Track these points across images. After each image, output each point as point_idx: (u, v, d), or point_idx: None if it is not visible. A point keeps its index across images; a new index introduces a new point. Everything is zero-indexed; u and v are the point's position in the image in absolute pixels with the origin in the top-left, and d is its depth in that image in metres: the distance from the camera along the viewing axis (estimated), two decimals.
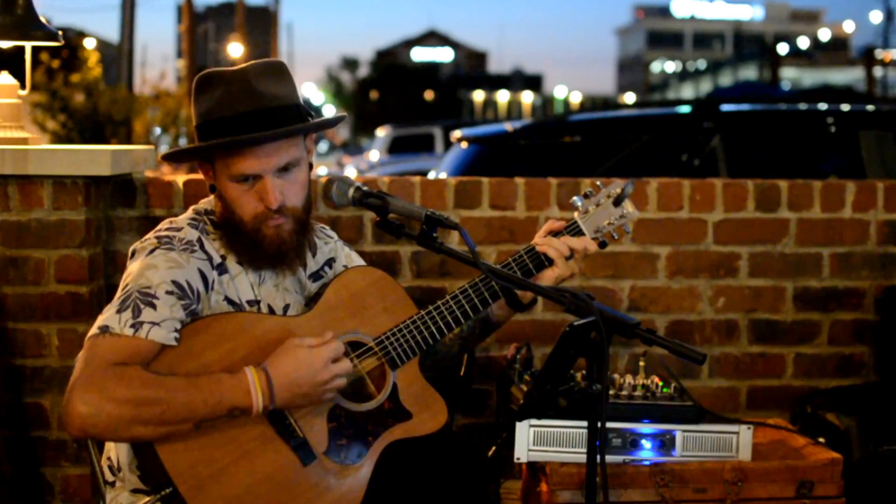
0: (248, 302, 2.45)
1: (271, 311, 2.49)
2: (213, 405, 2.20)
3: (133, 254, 2.39)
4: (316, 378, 2.29)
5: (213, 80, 2.40)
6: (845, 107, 6.02)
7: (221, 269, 2.42)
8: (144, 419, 2.15)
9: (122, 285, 2.31)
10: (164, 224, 2.45)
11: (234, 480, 2.25)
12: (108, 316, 2.23)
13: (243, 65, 2.44)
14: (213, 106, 2.38)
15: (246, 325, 2.35)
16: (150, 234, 2.41)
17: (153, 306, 2.24)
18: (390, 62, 80.00)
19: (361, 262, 2.73)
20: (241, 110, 2.36)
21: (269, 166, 2.37)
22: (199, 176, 3.63)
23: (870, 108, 6.44)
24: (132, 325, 2.21)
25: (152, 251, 2.34)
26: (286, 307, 2.52)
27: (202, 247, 2.40)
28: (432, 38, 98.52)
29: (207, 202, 2.52)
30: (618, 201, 2.59)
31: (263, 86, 2.39)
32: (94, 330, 2.22)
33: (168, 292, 2.27)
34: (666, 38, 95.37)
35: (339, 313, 2.47)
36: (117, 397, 2.12)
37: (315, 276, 2.62)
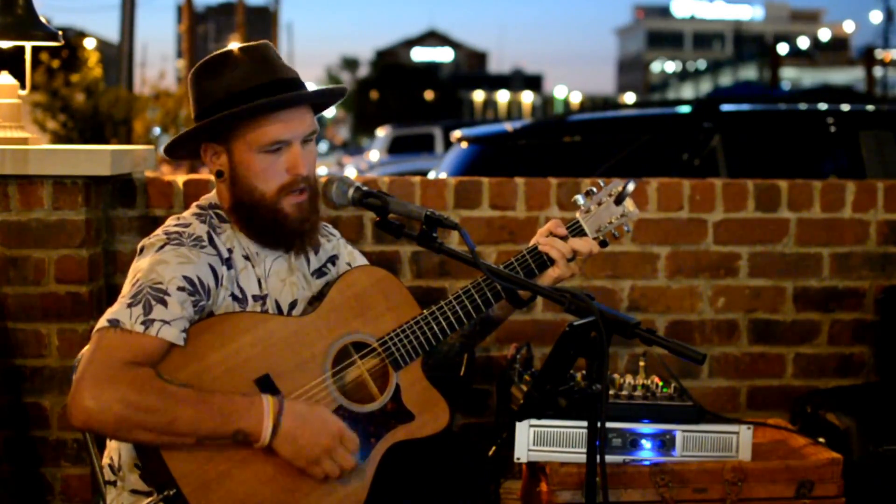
0: (254, 297, 2.44)
1: (278, 306, 2.49)
2: (219, 424, 2.18)
3: (141, 250, 2.38)
4: (320, 438, 2.25)
5: (226, 61, 2.42)
6: (845, 107, 6.03)
7: (229, 263, 2.42)
8: (149, 426, 2.14)
9: (131, 281, 2.30)
10: (171, 220, 2.44)
11: (237, 482, 2.25)
12: (118, 310, 2.22)
13: (244, 45, 2.47)
14: (234, 80, 2.39)
15: (249, 326, 2.35)
16: (159, 231, 2.40)
17: (164, 303, 2.23)
18: (390, 62, 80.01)
19: (364, 259, 2.73)
20: (266, 80, 2.39)
21: (299, 132, 2.41)
22: (200, 176, 3.64)
23: (870, 108, 6.45)
24: (143, 322, 2.20)
25: (162, 247, 2.34)
26: (293, 303, 2.52)
27: (211, 241, 2.40)
28: (432, 38, 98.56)
29: (210, 197, 2.52)
30: (619, 200, 2.59)
31: (277, 60, 2.44)
32: (102, 322, 2.21)
33: (180, 288, 2.27)
34: (666, 38, 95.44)
35: (343, 313, 2.47)
36: (127, 400, 2.11)
37: (318, 272, 2.62)
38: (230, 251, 2.43)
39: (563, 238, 2.57)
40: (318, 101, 2.50)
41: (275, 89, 2.39)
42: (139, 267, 2.32)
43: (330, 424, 2.28)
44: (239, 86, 2.39)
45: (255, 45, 2.47)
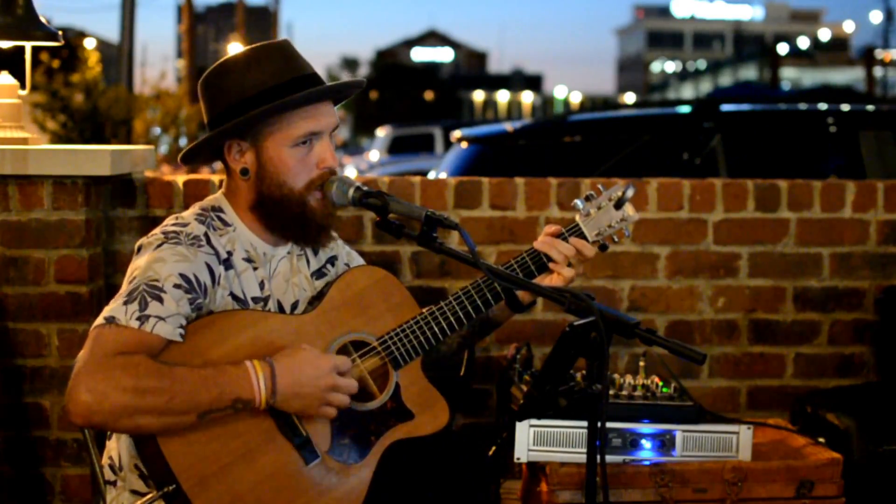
0: (254, 299, 2.45)
1: (280, 307, 2.49)
2: (216, 395, 2.19)
3: (139, 249, 2.38)
4: (319, 381, 2.28)
5: (249, 59, 2.44)
6: (845, 107, 6.02)
7: (227, 264, 2.42)
8: (148, 408, 2.14)
9: (128, 279, 2.31)
10: (169, 219, 2.45)
11: (236, 478, 2.25)
12: (114, 307, 2.23)
13: (264, 43, 2.49)
14: (264, 77, 2.41)
15: (250, 323, 2.35)
16: (157, 230, 2.41)
17: (160, 300, 2.24)
18: (390, 62, 80.00)
19: (362, 261, 2.75)
20: (295, 75, 2.43)
21: (330, 125, 2.46)
22: (200, 176, 3.64)
23: (870, 108, 6.45)
24: (138, 318, 2.20)
25: (159, 245, 2.34)
26: (295, 303, 2.53)
27: (209, 241, 2.40)
28: (432, 38, 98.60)
29: (213, 199, 2.52)
30: (619, 204, 2.59)
31: (300, 56, 2.48)
32: (99, 320, 2.22)
33: (176, 286, 2.27)
34: (666, 38, 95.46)
35: (342, 312, 2.47)
36: (122, 385, 2.12)
37: (318, 273, 2.62)
38: (230, 253, 2.44)
39: (559, 236, 2.58)
40: (342, 94, 2.55)
41: (304, 84, 2.42)
42: (136, 265, 2.32)
43: (321, 364, 2.29)
44: (271, 81, 2.41)
45: (277, 42, 2.50)
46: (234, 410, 2.23)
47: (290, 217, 2.45)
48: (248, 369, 2.24)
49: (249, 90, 2.41)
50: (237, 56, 2.47)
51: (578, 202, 2.61)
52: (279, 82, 2.41)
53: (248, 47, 2.50)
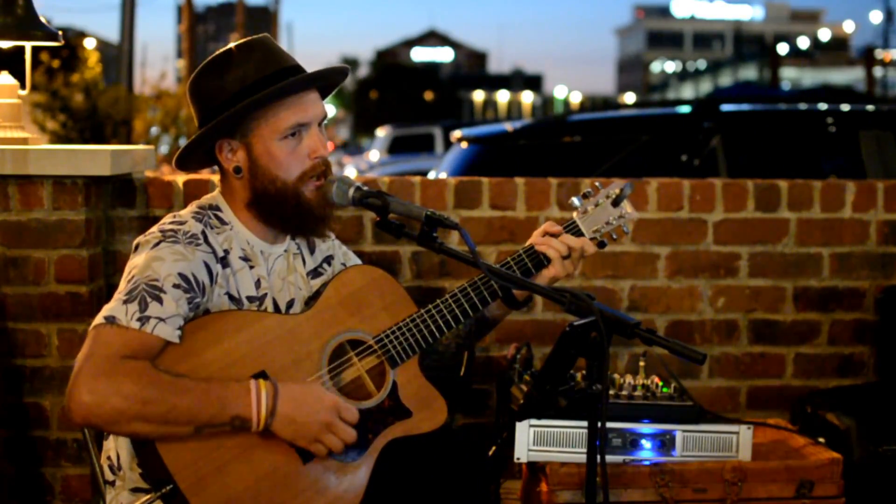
0: (249, 298, 2.45)
1: (276, 305, 2.49)
2: (216, 411, 2.19)
3: (137, 247, 2.38)
4: (318, 416, 2.27)
5: (230, 58, 2.44)
6: (845, 107, 6.03)
7: (224, 262, 2.42)
8: (147, 417, 2.15)
9: (126, 277, 2.30)
10: (167, 218, 2.45)
11: (234, 477, 2.25)
12: (114, 307, 2.23)
13: (244, 40, 2.49)
14: (245, 73, 2.41)
15: (245, 324, 2.35)
16: (154, 228, 2.41)
17: (160, 300, 2.24)
18: (390, 62, 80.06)
19: (358, 260, 2.75)
20: (277, 68, 2.43)
21: (317, 115, 2.46)
22: (199, 176, 3.64)
23: (870, 108, 6.45)
24: (139, 319, 2.20)
25: (157, 244, 2.34)
26: (291, 302, 2.53)
27: (206, 240, 2.40)
28: (432, 38, 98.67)
29: (211, 198, 2.52)
30: (616, 202, 2.59)
31: (280, 50, 2.48)
32: (99, 320, 2.21)
33: (175, 285, 2.27)
34: (666, 38, 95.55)
35: (338, 311, 2.48)
36: (124, 391, 2.12)
37: (314, 273, 2.62)
38: (227, 252, 2.44)
39: (558, 236, 2.58)
40: (328, 81, 2.54)
41: (286, 76, 2.43)
42: (135, 263, 2.32)
43: (325, 400, 2.30)
44: (252, 77, 2.41)
45: (257, 38, 2.50)
46: (231, 427, 2.22)
47: (286, 210, 2.45)
48: (252, 387, 2.23)
49: (232, 87, 2.41)
50: (218, 56, 2.48)
51: (575, 200, 2.61)
52: (260, 76, 2.41)
53: (228, 46, 2.50)
